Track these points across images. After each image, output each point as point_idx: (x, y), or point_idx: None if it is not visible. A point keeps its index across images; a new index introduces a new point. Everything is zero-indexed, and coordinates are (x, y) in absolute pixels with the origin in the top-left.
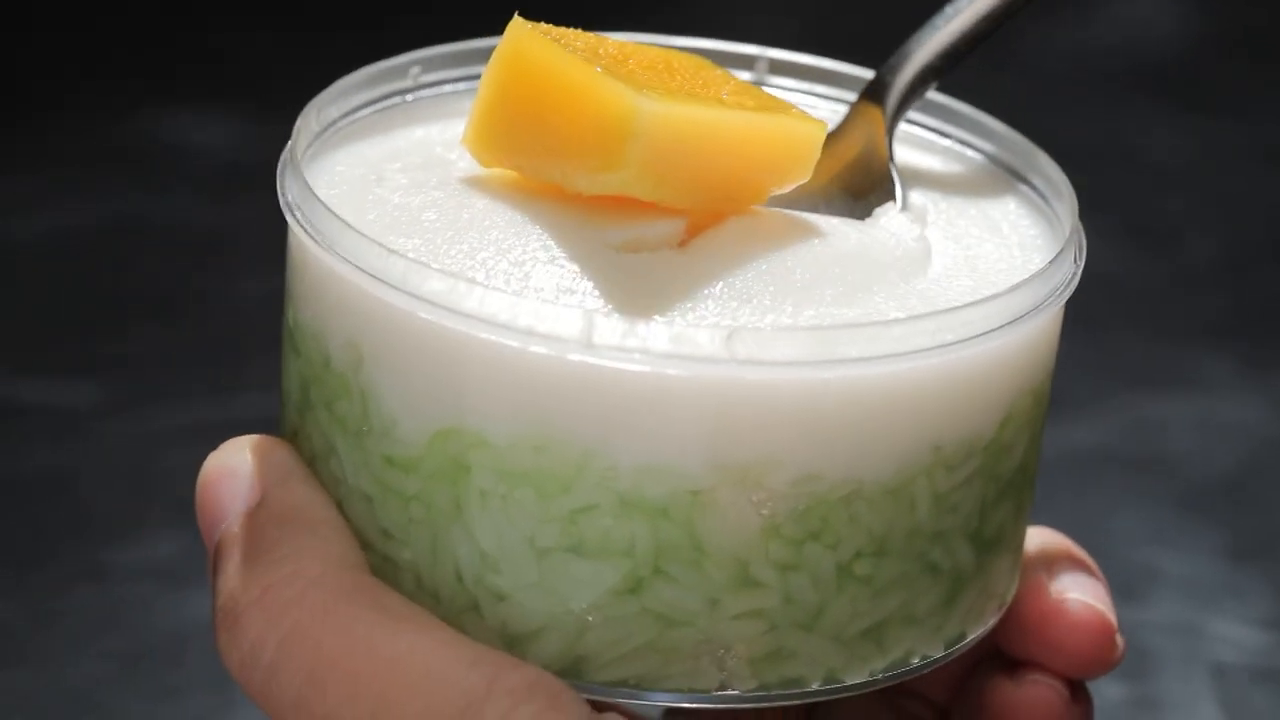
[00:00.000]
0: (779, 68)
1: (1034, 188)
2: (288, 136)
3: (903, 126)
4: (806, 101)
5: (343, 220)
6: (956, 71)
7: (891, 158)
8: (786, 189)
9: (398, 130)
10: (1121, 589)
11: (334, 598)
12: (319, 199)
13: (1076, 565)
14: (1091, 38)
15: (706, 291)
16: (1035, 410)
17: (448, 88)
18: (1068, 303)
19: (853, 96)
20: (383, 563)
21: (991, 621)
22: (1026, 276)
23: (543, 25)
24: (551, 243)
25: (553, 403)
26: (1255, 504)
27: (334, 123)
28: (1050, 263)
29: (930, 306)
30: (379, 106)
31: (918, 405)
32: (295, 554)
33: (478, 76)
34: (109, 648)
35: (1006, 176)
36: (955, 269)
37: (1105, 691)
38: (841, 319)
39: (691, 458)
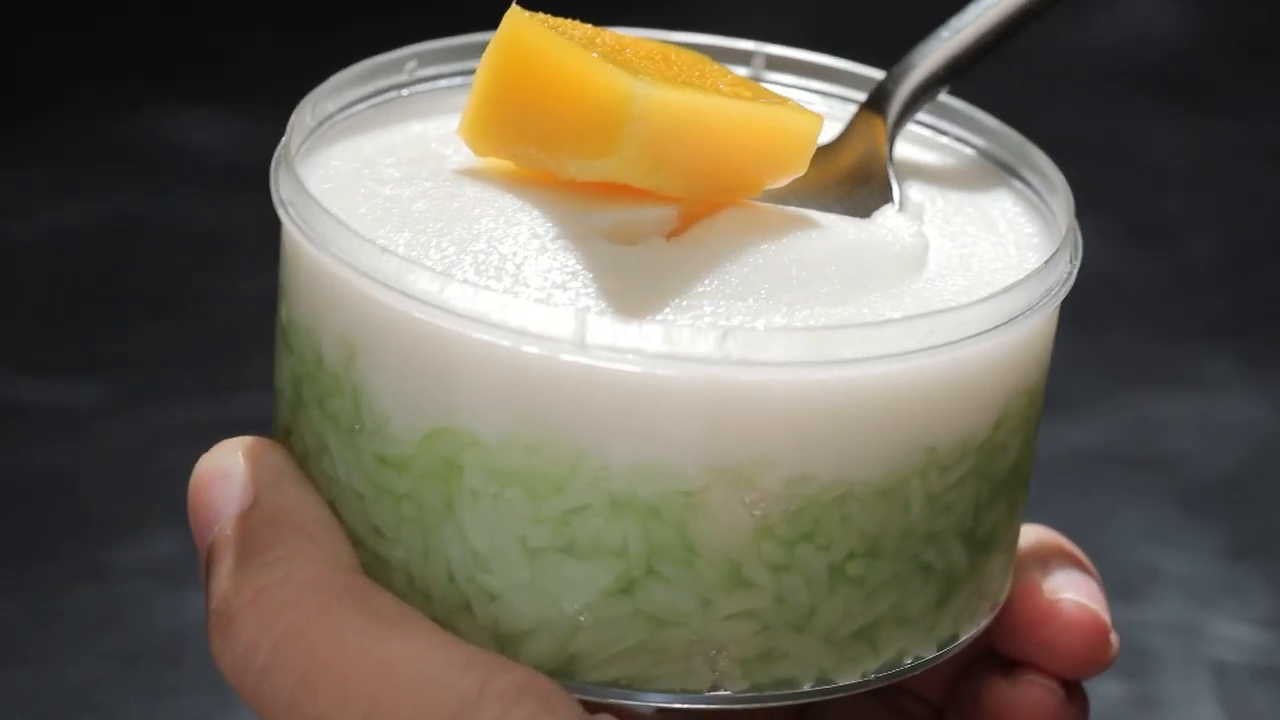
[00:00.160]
0: (775, 63)
1: (1031, 186)
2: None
3: None
4: (803, 97)
5: (335, 218)
6: None
7: (892, 167)
8: (781, 183)
9: (393, 125)
10: (1121, 588)
11: (327, 600)
12: (311, 196)
13: (1070, 563)
14: (1092, 37)
15: (701, 288)
16: (1030, 410)
17: (444, 82)
18: (1067, 302)
19: (849, 92)
20: (374, 561)
21: (984, 622)
22: (1021, 276)
23: (540, 14)
24: (543, 233)
25: (545, 403)
26: (1255, 503)
27: (330, 117)
28: (1045, 263)
29: (925, 306)
30: (375, 101)
31: (911, 406)
32: (288, 556)
33: (474, 71)
34: (109, 647)
35: (1004, 174)
36: (951, 268)
37: (1105, 690)
38: (836, 318)
39: (684, 458)
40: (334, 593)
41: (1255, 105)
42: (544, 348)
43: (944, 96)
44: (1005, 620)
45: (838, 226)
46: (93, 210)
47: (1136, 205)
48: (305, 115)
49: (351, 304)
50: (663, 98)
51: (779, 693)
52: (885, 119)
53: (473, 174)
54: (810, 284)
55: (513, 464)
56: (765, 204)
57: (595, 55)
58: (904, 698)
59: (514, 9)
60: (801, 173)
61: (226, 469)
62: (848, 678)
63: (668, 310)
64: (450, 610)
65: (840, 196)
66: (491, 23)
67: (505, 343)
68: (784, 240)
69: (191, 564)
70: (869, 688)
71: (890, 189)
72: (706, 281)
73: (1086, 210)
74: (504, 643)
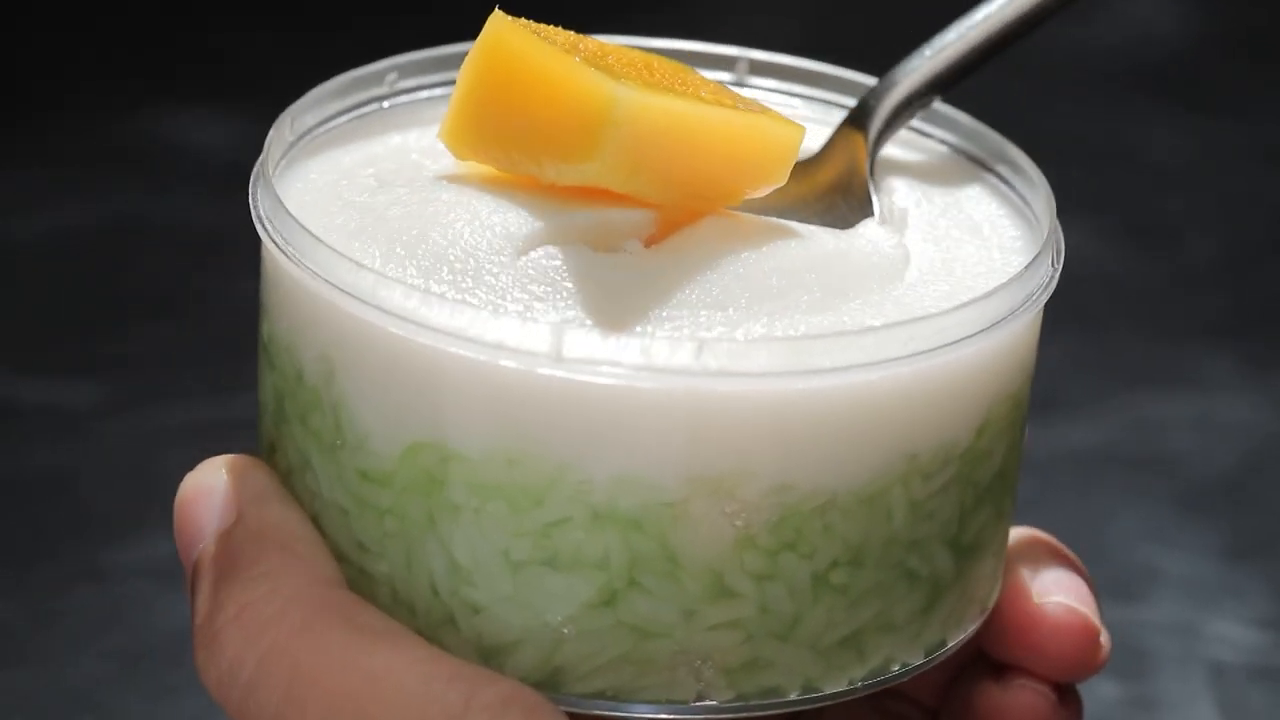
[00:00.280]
0: (759, 68)
1: (1014, 188)
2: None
3: None
4: (788, 102)
5: (312, 234)
6: None
7: (872, 183)
8: (760, 193)
9: (374, 137)
10: (1120, 588)
11: (311, 615)
12: (289, 212)
13: (1059, 565)
14: (1092, 37)
15: (680, 298)
16: (1014, 415)
17: (424, 94)
18: (1067, 302)
19: (834, 97)
20: (359, 575)
21: (972, 627)
22: (1002, 282)
23: (521, 20)
24: (522, 239)
25: (524, 416)
26: (1254, 504)
27: (309, 131)
28: (1026, 267)
29: (906, 312)
30: (355, 114)
31: (892, 414)
32: (271, 572)
33: (455, 81)
34: (109, 647)
35: (990, 177)
36: (933, 273)
37: (1102, 691)
38: (816, 326)
39: (664, 470)
40: (318, 608)
41: (1255, 105)
42: (522, 362)
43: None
44: (994, 625)
45: (817, 236)
46: (92, 210)
47: (1136, 205)
48: (284, 130)
49: (330, 320)
50: (645, 102)
51: (765, 702)
52: (866, 136)
53: (450, 180)
54: (790, 292)
55: (494, 477)
56: (745, 214)
57: (578, 60)
58: (897, 702)
59: (497, 14)
60: (781, 183)
61: (210, 486)
62: (834, 685)
63: (647, 321)
64: (435, 624)
65: (820, 211)
66: None
67: (483, 357)
68: (764, 249)
69: None
70: (856, 695)
71: (870, 204)
72: (686, 291)
73: (1086, 210)
74: (489, 655)
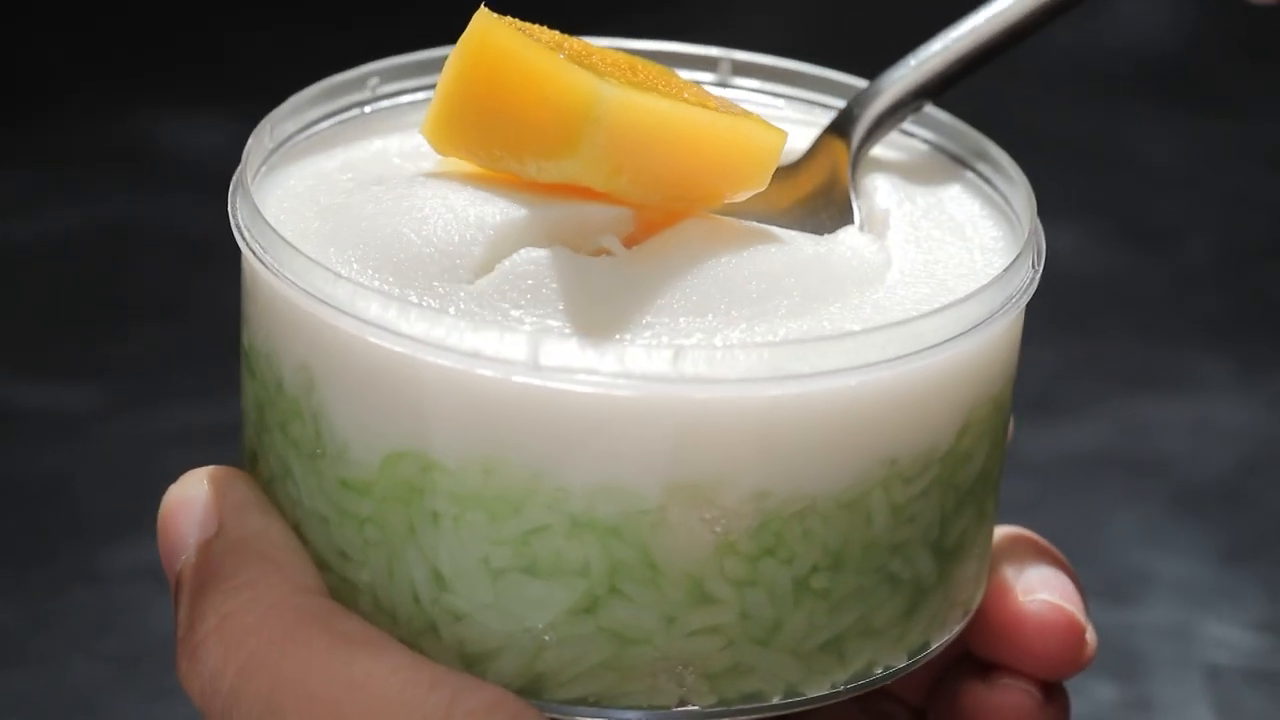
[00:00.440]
0: (742, 69)
1: (996, 188)
2: (286, 136)
3: None
4: (771, 103)
5: (290, 244)
6: None
7: (854, 191)
8: (740, 197)
9: (355, 142)
10: (1115, 591)
11: (292, 624)
12: (267, 222)
13: (1044, 563)
14: (1087, 39)
15: (658, 303)
16: (995, 417)
17: (406, 98)
18: (1064, 304)
19: (817, 97)
20: (341, 584)
21: (957, 629)
22: (981, 284)
23: (507, 17)
24: (497, 235)
25: (501, 425)
26: (1250, 506)
27: (290, 137)
28: (1006, 269)
29: (886, 316)
30: (337, 119)
31: (871, 419)
32: (252, 582)
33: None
34: (106, 649)
35: (973, 177)
36: (914, 275)
37: (1097, 693)
38: (795, 332)
39: (642, 477)
40: (299, 616)
41: (1252, 107)
42: (499, 370)
43: None
44: (980, 624)
45: (797, 241)
46: (90, 212)
47: (1133, 207)
48: (263, 137)
49: (308, 329)
50: (628, 100)
51: (747, 707)
52: (849, 143)
53: (427, 177)
54: (770, 298)
55: (472, 486)
56: (725, 217)
57: (562, 57)
58: (885, 701)
59: (482, 10)
60: (762, 187)
61: (192, 498)
62: (816, 689)
63: (625, 327)
64: (417, 631)
65: (800, 217)
66: None
67: (460, 366)
68: (743, 254)
69: None
70: (839, 699)
71: (851, 213)
72: (664, 297)
73: (1083, 212)
74: (471, 663)
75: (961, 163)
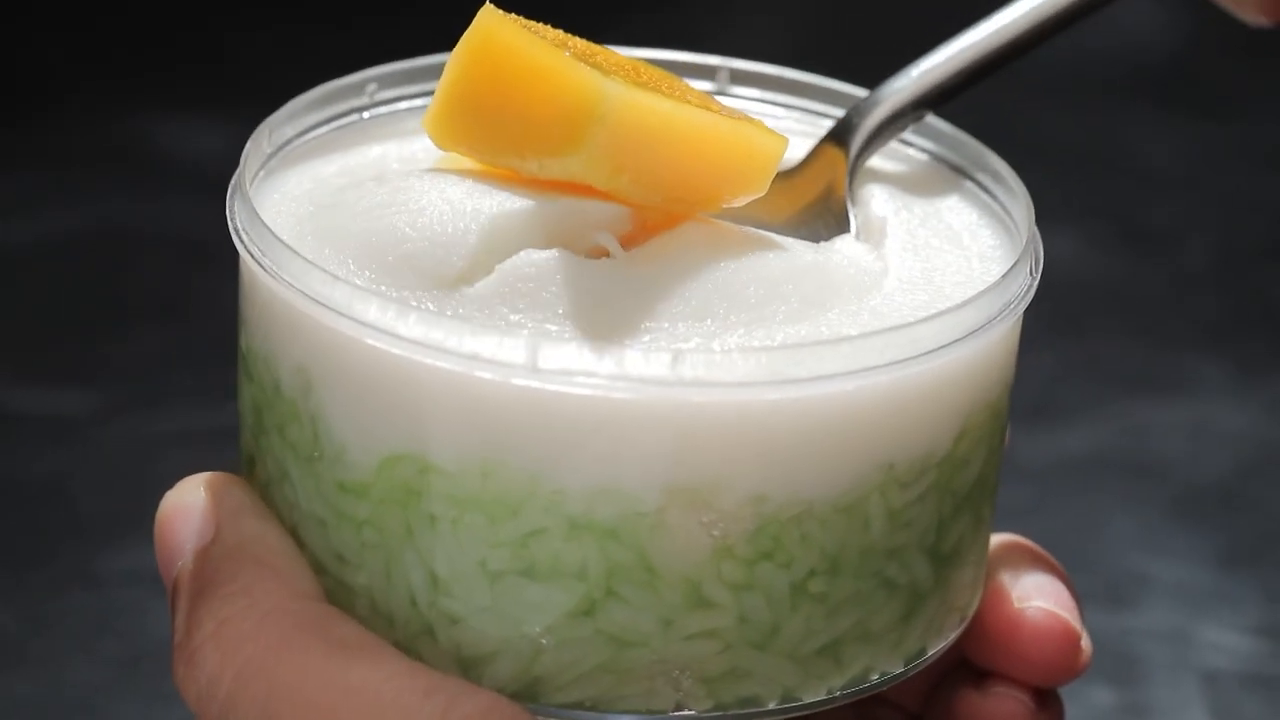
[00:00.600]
0: (740, 78)
1: (995, 197)
2: (285, 140)
3: None
4: (770, 111)
5: (288, 246)
6: None
7: (850, 200)
8: (739, 202)
9: (353, 148)
10: (1112, 595)
11: (288, 629)
12: (265, 225)
13: (1040, 570)
14: (1085, 43)
15: (657, 307)
16: (993, 424)
17: (404, 104)
18: (1063, 307)
19: (816, 106)
20: (338, 587)
21: (953, 635)
22: (979, 291)
23: (512, 15)
24: (493, 231)
25: (499, 427)
26: (1247, 510)
27: (288, 142)
28: (1003, 276)
29: (883, 322)
30: (335, 125)
31: (868, 424)
32: (248, 588)
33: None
34: (104, 652)
35: (970, 185)
36: (912, 283)
37: (1095, 698)
38: (793, 337)
39: (640, 480)
40: (295, 622)
41: (1250, 109)
42: (496, 373)
43: None
44: (975, 631)
45: (796, 248)
46: (90, 214)
47: (1131, 210)
48: (262, 142)
49: (306, 332)
50: (633, 99)
51: (744, 711)
52: (847, 153)
53: (424, 172)
54: (768, 303)
55: (470, 489)
56: (723, 222)
57: (567, 54)
58: (881, 707)
59: (488, 7)
60: (761, 193)
61: (189, 504)
62: (813, 695)
63: (623, 331)
64: (413, 635)
65: (797, 225)
66: None
67: (458, 369)
68: (742, 259)
69: None
70: (835, 704)
71: (847, 222)
72: (664, 301)
73: (1081, 215)
74: (467, 666)
75: (959, 172)
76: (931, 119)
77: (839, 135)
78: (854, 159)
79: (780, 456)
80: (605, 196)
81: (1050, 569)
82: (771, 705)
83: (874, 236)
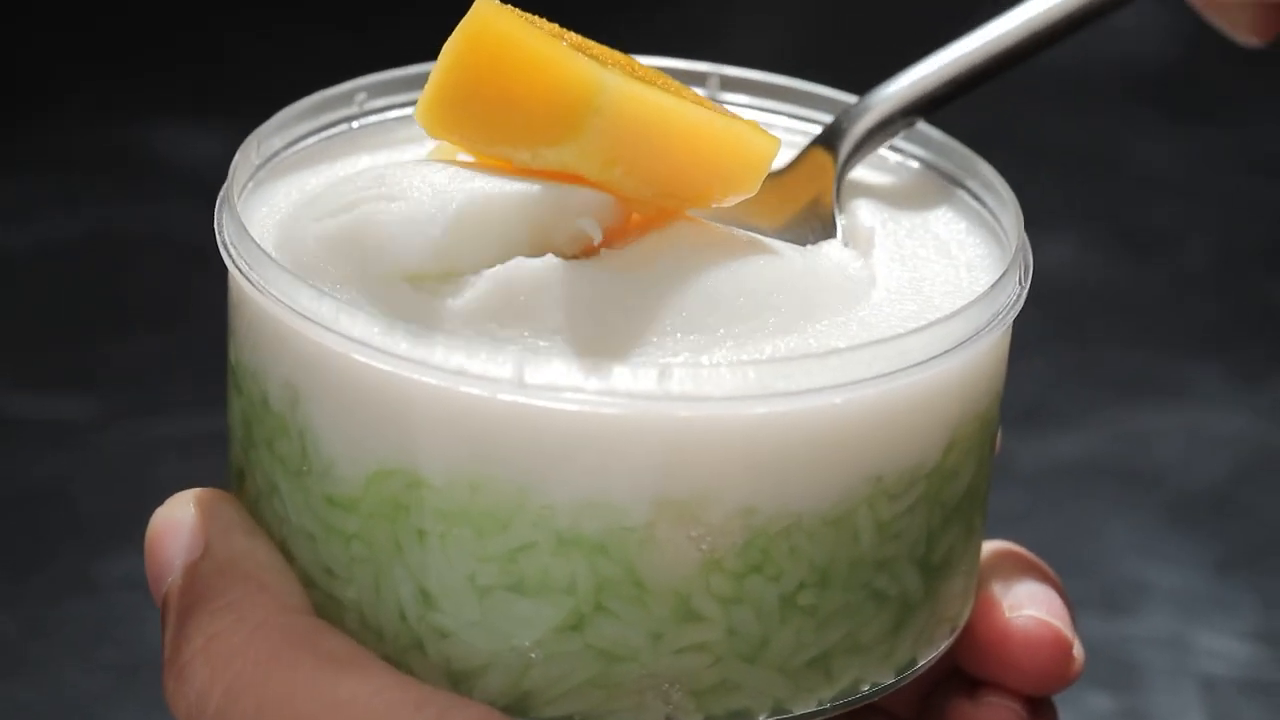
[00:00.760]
0: (730, 84)
1: (985, 204)
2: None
3: None
4: (759, 118)
5: (275, 261)
6: None
7: (838, 206)
8: (729, 202)
9: (342, 158)
10: (1109, 601)
11: (277, 644)
12: (252, 239)
13: (1031, 579)
14: (1085, 45)
15: (646, 320)
16: (982, 434)
17: (394, 113)
18: (1058, 312)
19: (805, 112)
20: (327, 601)
21: (943, 645)
22: (967, 302)
23: (508, 6)
24: (477, 222)
25: (487, 442)
26: (1244, 515)
27: (277, 153)
28: (991, 287)
29: (872, 334)
30: (324, 135)
31: (856, 437)
32: (238, 602)
33: None
34: (103, 658)
35: (959, 193)
36: (901, 293)
37: (1093, 704)
38: (783, 348)
39: (628, 495)
40: (284, 636)
41: (1246, 114)
42: (483, 388)
43: None
44: (967, 640)
45: (785, 254)
46: (88, 219)
47: (1127, 215)
48: (250, 153)
49: (293, 347)
50: (631, 91)
51: None
52: (835, 157)
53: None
54: (757, 314)
55: (458, 504)
56: (713, 223)
57: (565, 44)
58: (875, 716)
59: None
60: (752, 192)
61: (178, 520)
62: (803, 706)
63: (612, 343)
64: (403, 649)
65: (782, 227)
66: None
67: (445, 384)
68: (732, 266)
69: None
70: (826, 716)
71: (834, 227)
72: (653, 312)
73: (1077, 220)
74: (457, 680)
75: (949, 180)
76: (924, 126)
77: (828, 140)
78: (842, 164)
79: (768, 470)
80: (597, 187)
81: (1042, 577)
82: (762, 718)
83: (861, 245)
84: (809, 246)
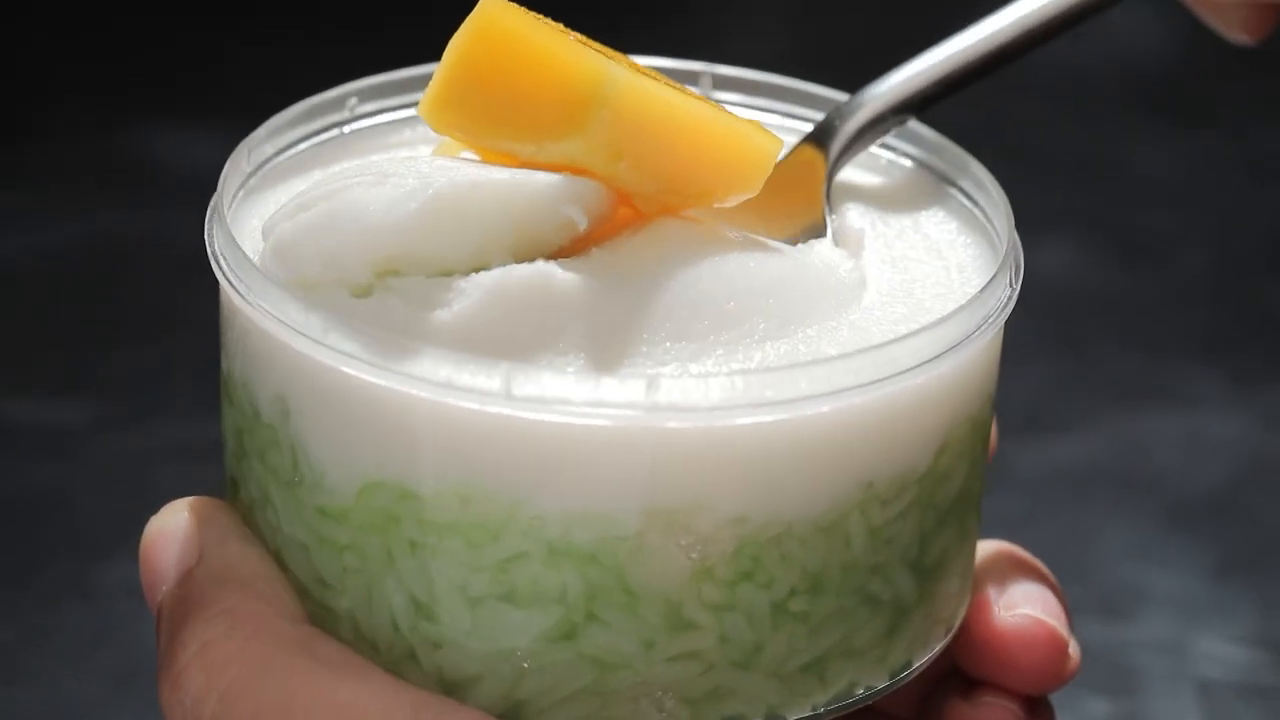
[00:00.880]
0: (723, 83)
1: (977, 204)
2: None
3: None
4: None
5: (264, 274)
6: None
7: (828, 203)
8: (732, 202)
9: (334, 163)
10: (1108, 606)
11: (271, 651)
12: (242, 251)
13: (1026, 578)
14: (1081, 51)
15: (636, 327)
16: (974, 436)
17: (385, 118)
18: (1056, 318)
19: (800, 111)
20: (322, 611)
21: (938, 647)
22: (957, 306)
23: (513, 4)
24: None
25: (476, 454)
26: (1242, 521)
27: (269, 160)
28: (981, 290)
29: (863, 337)
30: (316, 140)
31: (846, 444)
32: (232, 610)
33: (415, 104)
34: (100, 664)
35: (952, 192)
36: (891, 296)
37: (1091, 708)
38: (772, 355)
39: (617, 504)
40: (279, 643)
41: (1243, 120)
42: (471, 400)
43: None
44: (963, 640)
45: (776, 254)
46: (85, 227)
47: (1125, 221)
48: (241, 162)
49: (283, 359)
50: (638, 85)
51: None
52: (827, 155)
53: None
54: (747, 320)
55: (448, 515)
56: (704, 221)
57: (571, 39)
58: (873, 718)
59: None
60: (754, 193)
61: (173, 528)
62: (798, 711)
63: (602, 353)
64: (397, 659)
65: (771, 224)
66: None
67: (433, 396)
68: (722, 268)
69: None
70: None
71: (824, 226)
72: (643, 319)
73: (1075, 226)
74: (451, 690)
75: (941, 179)
76: (916, 125)
77: (819, 137)
78: (834, 161)
79: (758, 478)
80: (603, 182)
81: (1037, 576)
82: None
83: (852, 245)
84: (799, 245)
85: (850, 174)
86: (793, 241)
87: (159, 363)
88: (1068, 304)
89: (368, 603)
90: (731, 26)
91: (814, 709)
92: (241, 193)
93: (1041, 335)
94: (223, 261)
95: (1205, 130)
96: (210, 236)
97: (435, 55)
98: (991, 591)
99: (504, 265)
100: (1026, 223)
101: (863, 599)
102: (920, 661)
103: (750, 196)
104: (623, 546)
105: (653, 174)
